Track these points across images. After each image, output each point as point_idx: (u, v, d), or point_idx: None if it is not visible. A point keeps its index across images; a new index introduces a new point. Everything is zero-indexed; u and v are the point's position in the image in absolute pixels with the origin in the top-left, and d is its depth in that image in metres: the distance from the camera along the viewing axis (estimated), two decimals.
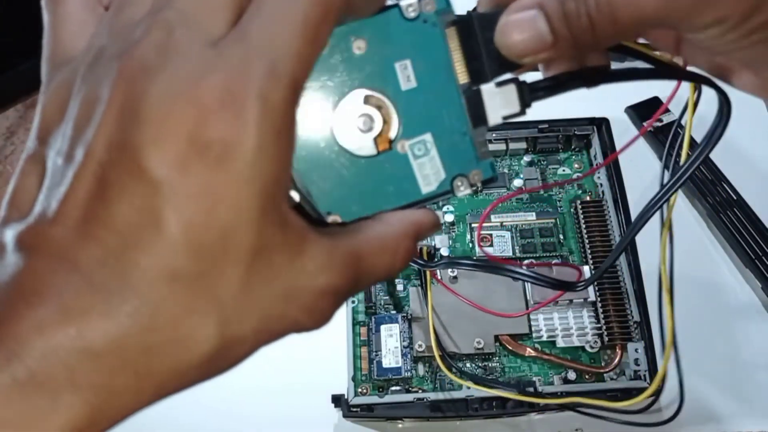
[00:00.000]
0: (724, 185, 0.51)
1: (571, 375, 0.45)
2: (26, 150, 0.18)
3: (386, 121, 0.20)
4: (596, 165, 0.52)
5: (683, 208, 0.54)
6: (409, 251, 0.20)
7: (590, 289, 0.46)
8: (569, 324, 0.45)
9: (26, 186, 0.17)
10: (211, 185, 0.15)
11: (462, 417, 0.45)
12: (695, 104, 0.24)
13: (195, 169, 0.15)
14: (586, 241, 0.49)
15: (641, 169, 0.53)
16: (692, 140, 0.27)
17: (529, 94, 0.20)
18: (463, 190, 0.21)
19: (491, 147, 0.52)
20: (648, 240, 0.47)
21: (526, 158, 0.53)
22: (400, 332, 0.46)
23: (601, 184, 0.51)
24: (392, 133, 0.20)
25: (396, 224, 0.20)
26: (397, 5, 0.19)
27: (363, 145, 0.20)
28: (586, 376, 0.45)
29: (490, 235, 0.50)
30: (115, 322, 0.15)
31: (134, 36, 0.16)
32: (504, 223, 0.50)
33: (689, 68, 0.23)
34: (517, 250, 0.49)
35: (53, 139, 0.17)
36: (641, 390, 0.43)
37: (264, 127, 0.15)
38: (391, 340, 0.45)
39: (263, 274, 0.16)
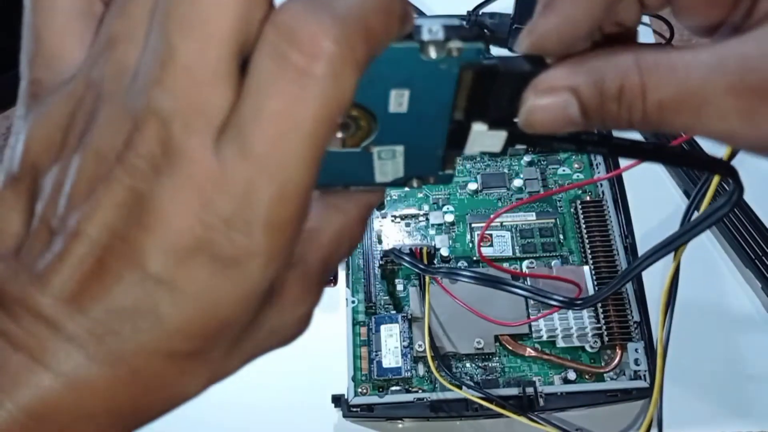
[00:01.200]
0: (724, 185, 0.51)
1: (571, 375, 0.45)
2: (7, 172, 0.16)
3: (361, 128, 0.18)
4: (597, 176, 0.52)
5: (683, 208, 0.54)
6: (363, 232, 0.21)
7: (590, 289, 0.46)
8: (569, 324, 0.45)
9: (9, 219, 0.16)
10: (214, 290, 0.15)
11: (462, 417, 0.45)
12: (731, 197, 0.22)
13: (199, 275, 0.15)
14: (586, 241, 0.49)
15: (641, 169, 0.53)
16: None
17: (515, 141, 0.20)
18: (416, 187, 0.21)
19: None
20: (648, 239, 0.47)
21: (526, 158, 0.53)
22: (400, 332, 0.46)
23: (601, 184, 0.51)
24: (364, 139, 0.19)
25: (352, 211, 0.20)
26: (418, 45, 0.17)
27: (332, 141, 0.18)
28: (586, 376, 0.45)
29: (490, 235, 0.49)
30: (114, 392, 0.15)
31: (133, 110, 0.14)
32: (504, 223, 0.50)
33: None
34: (517, 250, 0.49)
35: (43, 184, 0.16)
36: (641, 390, 0.43)
37: (272, 248, 0.15)
38: (391, 340, 0.45)
39: (251, 332, 0.17)
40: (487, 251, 0.49)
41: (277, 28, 0.14)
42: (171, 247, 0.15)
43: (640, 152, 0.21)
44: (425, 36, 0.17)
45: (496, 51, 0.61)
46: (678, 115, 0.16)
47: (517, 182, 0.52)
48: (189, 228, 0.14)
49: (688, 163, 0.21)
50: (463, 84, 0.18)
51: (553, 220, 0.50)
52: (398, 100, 0.18)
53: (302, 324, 0.19)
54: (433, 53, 0.17)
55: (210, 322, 0.16)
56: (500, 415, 0.43)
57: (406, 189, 0.52)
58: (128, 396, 0.16)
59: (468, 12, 0.62)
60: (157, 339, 0.15)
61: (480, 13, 0.61)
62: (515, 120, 0.19)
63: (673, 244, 0.25)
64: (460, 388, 0.43)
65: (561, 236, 0.50)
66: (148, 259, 0.15)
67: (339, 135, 0.19)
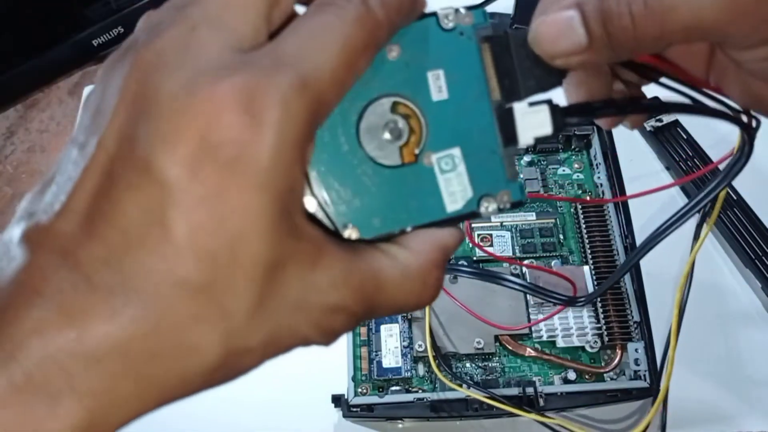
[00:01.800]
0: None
1: (571, 375, 0.45)
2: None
3: (414, 131, 0.19)
4: (603, 198, 0.51)
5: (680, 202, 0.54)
6: (439, 281, 0.19)
7: (590, 288, 0.46)
8: (569, 324, 0.45)
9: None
10: (222, 190, 0.14)
11: (462, 417, 0.45)
12: (744, 153, 0.22)
13: (205, 171, 0.14)
14: (586, 241, 0.49)
15: (641, 169, 0.53)
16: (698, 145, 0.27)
17: (561, 116, 0.19)
18: (490, 211, 0.19)
19: None
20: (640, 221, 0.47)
21: (526, 158, 0.53)
22: (400, 332, 0.46)
23: (601, 184, 0.51)
24: (419, 145, 0.19)
25: (422, 251, 0.19)
26: (434, 14, 0.19)
27: (388, 153, 0.19)
28: (586, 376, 0.45)
29: (490, 235, 0.50)
30: (117, 326, 0.14)
31: (157, 29, 0.16)
32: (504, 223, 0.50)
33: (727, 102, 0.21)
34: (517, 250, 0.49)
35: (79, 127, 0.16)
36: (641, 390, 0.43)
37: (282, 134, 0.15)
38: (391, 340, 0.45)
39: (273, 287, 0.15)
40: (487, 250, 0.49)
41: None
42: (176, 136, 0.14)
43: (663, 106, 0.21)
44: (440, 11, 0.19)
45: None
46: (681, 11, 0.17)
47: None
48: (195, 109, 0.14)
49: (699, 111, 0.21)
50: (486, 60, 0.19)
51: (553, 220, 0.50)
52: (437, 84, 0.19)
53: (330, 318, 0.17)
54: (449, 22, 0.19)
55: (218, 234, 0.14)
56: (500, 415, 0.43)
57: None
58: (139, 334, 0.14)
59: (504, 30, 0.62)
60: (164, 258, 0.14)
61: None
62: (549, 89, 0.19)
63: (689, 214, 0.25)
64: (462, 387, 0.43)
65: (561, 236, 0.50)
66: (154, 157, 0.14)
67: (395, 143, 0.19)
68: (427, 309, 0.45)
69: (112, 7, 0.62)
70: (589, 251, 0.48)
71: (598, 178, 0.52)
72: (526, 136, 0.19)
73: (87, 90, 0.17)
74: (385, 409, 0.43)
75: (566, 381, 0.45)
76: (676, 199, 0.55)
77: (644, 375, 0.44)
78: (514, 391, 0.43)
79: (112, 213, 0.14)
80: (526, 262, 0.49)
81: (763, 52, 0.18)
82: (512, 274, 0.47)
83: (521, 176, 0.52)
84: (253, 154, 0.14)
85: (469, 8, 0.19)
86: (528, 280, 0.47)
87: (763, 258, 0.49)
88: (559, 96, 0.21)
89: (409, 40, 0.19)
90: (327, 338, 0.17)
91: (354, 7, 0.16)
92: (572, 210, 0.51)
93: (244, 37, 0.16)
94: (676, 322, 0.34)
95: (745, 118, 0.21)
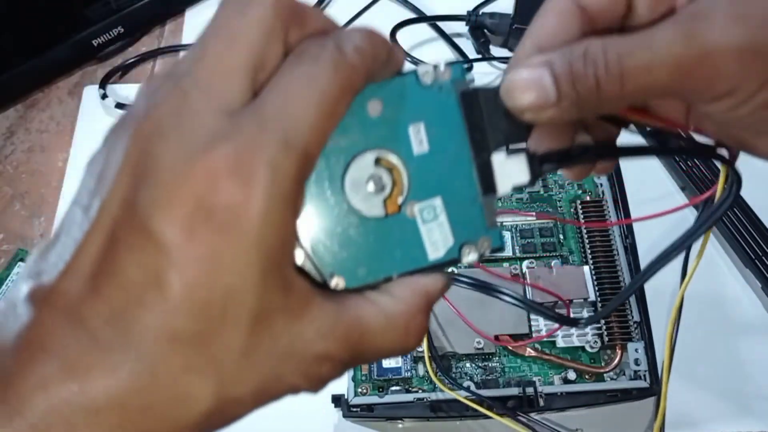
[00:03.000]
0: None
1: (571, 375, 0.45)
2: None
3: (396, 184, 0.20)
4: (609, 221, 0.51)
5: (685, 213, 0.54)
6: (422, 327, 0.20)
7: (590, 289, 0.46)
8: None
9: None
10: (216, 249, 0.15)
11: (462, 417, 0.45)
12: (729, 189, 0.23)
13: (200, 233, 0.15)
14: (586, 241, 0.49)
15: (641, 169, 0.53)
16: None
17: (539, 165, 0.20)
18: (470, 258, 0.20)
19: None
20: (648, 239, 0.47)
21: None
22: None
23: (601, 184, 0.51)
24: (402, 196, 0.20)
25: (405, 298, 0.19)
26: (414, 71, 0.20)
27: (372, 205, 0.20)
28: (586, 376, 0.45)
29: None
30: (117, 380, 0.15)
31: (153, 99, 0.17)
32: (504, 223, 0.50)
33: (700, 140, 0.22)
34: (517, 250, 0.49)
35: (82, 190, 0.17)
36: (641, 390, 0.43)
37: (271, 195, 0.16)
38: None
39: (262, 338, 0.16)
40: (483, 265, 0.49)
41: (302, 44, 0.18)
42: (173, 201, 0.15)
43: (642, 150, 0.22)
44: (419, 68, 0.20)
45: (496, 51, 0.62)
46: (633, 60, 0.19)
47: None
48: (192, 177, 0.15)
49: (685, 152, 0.22)
50: (465, 112, 0.20)
51: (553, 221, 0.50)
52: (417, 137, 0.20)
53: (317, 367, 0.18)
54: (428, 78, 0.20)
55: (211, 290, 0.15)
56: (500, 415, 0.43)
57: None
58: (136, 387, 0.15)
59: (468, 12, 0.62)
60: (161, 314, 0.15)
61: (480, 13, 0.61)
62: (526, 142, 0.20)
63: (677, 250, 0.25)
64: (453, 390, 0.43)
65: (561, 236, 0.50)
66: (154, 221, 0.15)
67: (379, 196, 0.20)
68: None
69: (112, 7, 0.62)
70: (589, 251, 0.48)
71: (598, 177, 0.51)
72: (504, 185, 0.20)
73: (91, 154, 0.19)
74: (385, 409, 0.43)
75: (566, 381, 0.45)
76: (676, 197, 0.55)
77: (644, 375, 0.44)
78: (514, 391, 0.43)
79: (115, 273, 0.16)
80: (526, 262, 0.49)
81: (723, 105, 0.19)
82: (512, 275, 0.47)
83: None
84: (245, 215, 0.15)
85: (449, 63, 0.20)
86: (528, 280, 0.47)
87: (763, 258, 0.49)
88: None
89: (390, 97, 0.19)
90: (315, 386, 0.18)
91: (329, 55, 0.17)
92: (572, 210, 0.51)
93: (232, 101, 0.17)
94: (671, 335, 0.34)
95: (725, 152, 0.22)
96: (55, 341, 0.15)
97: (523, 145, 0.21)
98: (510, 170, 0.20)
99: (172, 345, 0.15)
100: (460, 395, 0.43)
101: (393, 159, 0.20)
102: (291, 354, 0.17)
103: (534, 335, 0.45)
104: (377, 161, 0.20)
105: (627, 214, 0.48)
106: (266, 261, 0.16)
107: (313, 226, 0.19)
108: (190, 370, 0.16)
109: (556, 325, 0.45)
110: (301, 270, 0.19)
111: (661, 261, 0.25)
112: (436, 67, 0.20)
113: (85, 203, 0.17)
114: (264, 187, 0.15)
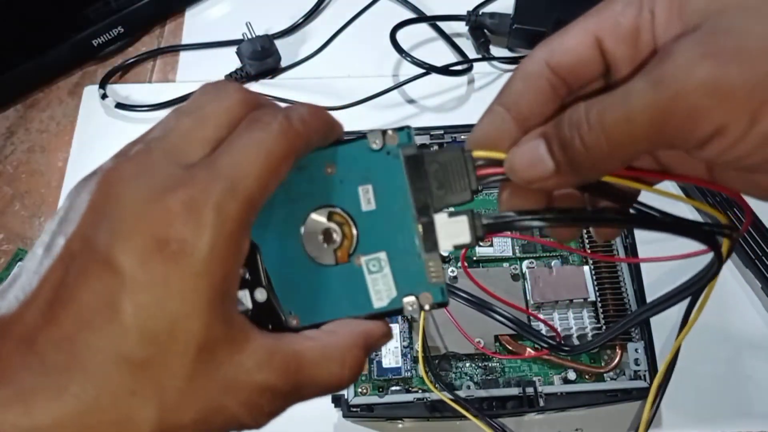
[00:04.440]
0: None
1: (571, 375, 0.45)
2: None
3: (346, 236, 0.22)
4: (617, 257, 0.50)
5: (683, 208, 0.54)
6: (358, 361, 0.21)
7: (590, 289, 0.46)
8: (569, 324, 0.45)
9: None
10: (166, 276, 0.17)
11: (462, 417, 0.45)
12: (712, 272, 0.24)
13: (154, 261, 0.17)
14: (586, 241, 0.49)
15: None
16: None
17: (480, 227, 0.22)
18: (412, 310, 0.22)
19: None
20: (648, 239, 0.47)
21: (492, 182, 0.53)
22: (400, 332, 0.46)
23: None
24: (351, 248, 0.22)
25: (343, 334, 0.21)
26: (364, 137, 0.22)
27: (324, 254, 0.22)
28: (586, 376, 0.45)
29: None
30: (61, 402, 0.16)
31: (123, 155, 0.19)
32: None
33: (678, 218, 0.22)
34: (517, 250, 0.49)
35: (46, 232, 0.19)
36: (641, 390, 0.43)
37: (217, 233, 0.17)
38: (391, 340, 0.45)
39: (205, 366, 0.17)
40: (487, 251, 0.49)
41: (253, 116, 0.20)
42: (132, 233, 0.17)
43: (600, 219, 0.24)
44: (369, 135, 0.22)
45: (496, 51, 0.61)
46: (611, 115, 0.19)
47: None
48: (149, 213, 0.17)
49: (669, 229, 0.22)
50: (410, 175, 0.21)
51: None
52: (366, 197, 0.22)
53: (257, 398, 0.19)
54: (377, 142, 0.22)
55: (160, 315, 0.17)
56: (500, 416, 0.43)
57: None
58: (80, 409, 0.16)
59: (468, 12, 0.62)
60: (111, 337, 0.16)
61: (480, 13, 0.61)
62: (468, 201, 0.22)
63: (654, 310, 0.29)
64: (440, 391, 0.43)
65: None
66: (113, 250, 0.17)
67: (331, 246, 0.22)
68: (421, 314, 0.45)
69: (112, 7, 0.62)
70: (589, 251, 0.48)
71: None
72: (446, 244, 0.21)
73: (84, 93, 0.21)
74: (385, 409, 0.43)
75: (566, 381, 0.45)
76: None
77: (644, 375, 0.44)
78: (514, 391, 0.44)
79: (70, 299, 0.17)
80: (526, 262, 0.49)
81: (715, 148, 0.18)
82: (512, 276, 0.47)
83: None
84: (194, 247, 0.17)
85: (396, 129, 0.22)
86: (528, 280, 0.47)
87: (763, 258, 0.49)
88: None
89: (343, 159, 0.22)
90: (257, 419, 0.19)
91: (278, 123, 0.20)
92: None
93: (191, 158, 0.19)
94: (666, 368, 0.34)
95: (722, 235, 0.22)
96: (8, 368, 0.16)
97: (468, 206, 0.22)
98: (452, 231, 0.21)
99: (119, 368, 0.16)
100: (445, 396, 0.43)
101: (344, 214, 0.22)
102: (232, 383, 0.18)
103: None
104: (330, 216, 0.22)
105: (634, 251, 0.48)
106: (212, 291, 0.17)
107: (274, 270, 0.22)
108: (135, 393, 0.16)
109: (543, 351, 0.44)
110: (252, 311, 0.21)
111: (648, 311, 0.28)
112: (384, 132, 0.22)
113: (47, 242, 0.18)
114: (211, 226, 0.17)
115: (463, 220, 0.22)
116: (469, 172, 0.22)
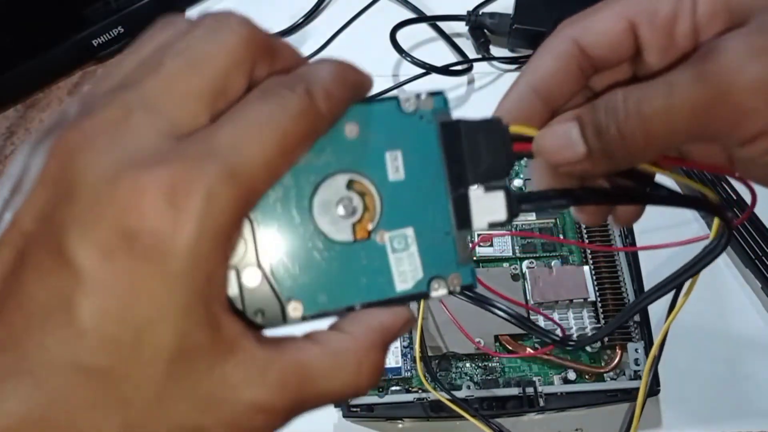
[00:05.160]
0: (724, 185, 0.51)
1: (571, 375, 0.45)
2: None
3: (368, 209, 0.19)
4: (615, 246, 0.50)
5: (666, 181, 0.54)
6: (377, 366, 0.18)
7: (590, 289, 0.46)
8: (569, 324, 0.45)
9: None
10: (134, 278, 0.14)
11: (462, 417, 0.45)
12: (721, 243, 0.23)
13: (118, 259, 0.14)
14: (586, 241, 0.49)
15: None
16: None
17: (516, 204, 0.20)
18: (439, 294, 0.19)
19: None
20: (648, 239, 0.47)
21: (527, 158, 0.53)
22: None
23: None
24: (372, 223, 0.19)
25: (357, 334, 0.18)
26: (396, 97, 0.20)
27: (340, 229, 0.19)
28: (586, 376, 0.45)
29: (490, 234, 0.49)
30: (6, 409, 0.14)
31: (88, 108, 0.15)
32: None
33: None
34: (517, 250, 0.49)
35: None
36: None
37: (203, 226, 0.14)
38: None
39: (180, 379, 0.15)
40: (487, 251, 0.49)
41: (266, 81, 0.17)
42: (94, 221, 0.14)
43: (626, 196, 0.23)
44: (401, 95, 0.19)
45: (496, 51, 0.61)
46: (651, 106, 0.18)
47: (517, 182, 0.52)
48: (117, 196, 0.14)
49: (675, 203, 0.22)
50: (445, 144, 0.19)
51: (553, 220, 0.50)
52: (394, 164, 0.19)
53: (246, 419, 0.16)
54: (410, 106, 0.19)
55: (124, 321, 0.14)
56: (500, 415, 0.43)
57: None
58: (28, 419, 0.14)
59: (468, 12, 0.62)
60: (66, 341, 0.14)
61: (480, 13, 0.61)
62: (505, 178, 0.20)
63: (662, 290, 0.27)
64: (436, 390, 0.43)
65: (561, 236, 0.50)
66: (69, 240, 0.14)
67: (349, 220, 0.19)
68: (420, 310, 0.45)
69: (112, 7, 0.62)
70: (589, 251, 0.48)
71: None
72: (480, 221, 0.20)
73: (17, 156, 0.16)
74: (385, 409, 0.43)
75: (566, 381, 0.45)
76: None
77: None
78: (514, 391, 0.44)
79: (20, 294, 0.14)
80: (526, 262, 0.49)
81: (762, 147, 0.18)
82: (512, 276, 0.47)
83: (522, 177, 0.52)
84: (169, 244, 0.14)
85: (431, 93, 0.20)
86: (528, 280, 0.47)
87: (763, 258, 0.49)
88: None
89: (369, 120, 0.19)
90: None
91: (297, 99, 0.16)
92: (575, 223, 0.51)
93: (182, 125, 0.15)
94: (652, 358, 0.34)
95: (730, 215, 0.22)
96: None
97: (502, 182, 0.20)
98: (487, 206, 0.20)
99: (76, 377, 0.14)
100: (443, 396, 0.43)
101: (366, 183, 0.19)
102: (214, 402, 0.15)
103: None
104: (349, 184, 0.19)
105: (632, 241, 0.48)
106: (190, 296, 0.14)
107: (274, 246, 0.18)
108: (95, 407, 0.14)
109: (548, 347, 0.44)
110: (235, 311, 0.18)
111: (647, 298, 0.27)
112: (418, 95, 0.20)
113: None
114: (196, 217, 0.14)
115: (499, 196, 0.20)
116: (506, 145, 0.20)
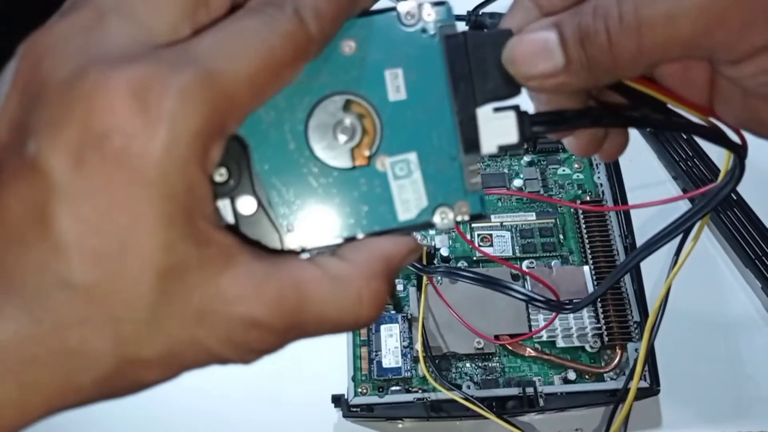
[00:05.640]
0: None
1: (571, 375, 0.45)
2: None
3: (367, 132, 0.18)
4: (606, 206, 0.51)
5: (683, 208, 0.54)
6: (379, 295, 0.17)
7: (590, 289, 0.46)
8: (569, 324, 0.45)
9: None
10: (107, 183, 0.13)
11: (462, 417, 0.45)
12: (734, 174, 0.21)
13: (90, 163, 0.13)
14: (586, 241, 0.49)
15: (641, 169, 0.53)
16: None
17: (528, 125, 0.18)
18: (445, 223, 0.18)
19: None
20: (644, 234, 0.47)
21: (526, 158, 0.53)
22: (400, 332, 0.45)
23: (601, 184, 0.51)
24: (372, 147, 0.18)
25: (360, 261, 0.17)
26: (394, 8, 0.18)
27: (338, 155, 0.18)
28: (586, 376, 0.45)
29: (490, 235, 0.50)
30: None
31: (61, 12, 0.15)
32: (504, 223, 0.50)
33: (715, 123, 0.20)
34: (517, 250, 0.49)
35: None
36: (642, 390, 0.43)
37: (176, 127, 0.13)
38: (391, 340, 0.45)
39: (170, 294, 0.14)
40: (487, 251, 0.49)
41: None
42: (62, 124, 0.13)
43: (647, 121, 0.20)
44: (400, 6, 0.17)
45: None
46: (651, 8, 0.16)
47: (517, 182, 0.52)
48: (85, 97, 0.13)
49: (681, 128, 0.20)
50: (450, 60, 0.18)
51: (553, 220, 0.50)
52: (394, 83, 0.18)
53: (241, 333, 0.15)
54: (411, 18, 0.18)
55: (104, 232, 0.13)
56: (500, 415, 0.43)
57: None
58: (16, 336, 0.13)
59: (468, 12, 0.62)
60: (47, 255, 0.13)
61: (480, 13, 0.61)
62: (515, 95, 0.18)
63: (673, 233, 0.24)
64: (447, 389, 0.43)
65: (561, 236, 0.50)
66: (39, 146, 0.13)
67: (347, 145, 0.18)
68: (421, 309, 0.45)
69: None
70: (589, 251, 0.48)
71: (598, 178, 0.51)
72: (489, 144, 0.18)
73: None
74: (385, 409, 0.43)
75: (566, 381, 0.45)
76: (668, 187, 0.55)
77: (644, 375, 0.44)
78: (514, 391, 0.44)
79: None
80: (526, 262, 0.49)
81: (755, 66, 0.17)
82: (512, 276, 0.47)
83: (522, 177, 0.52)
84: (142, 146, 0.13)
85: (435, 3, 0.18)
86: (528, 280, 0.47)
87: (763, 258, 0.49)
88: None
89: (366, 36, 0.17)
90: (243, 357, 0.16)
91: (286, 19, 0.15)
92: (572, 210, 0.51)
93: (159, 34, 0.15)
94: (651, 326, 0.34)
95: (738, 140, 0.20)
96: None
97: (512, 102, 0.18)
98: (497, 128, 0.18)
99: (61, 292, 0.13)
100: (456, 395, 0.42)
101: (365, 104, 0.18)
102: (207, 315, 0.15)
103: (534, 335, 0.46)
104: (347, 105, 0.18)
105: (627, 214, 0.48)
106: (171, 205, 0.14)
107: (269, 173, 0.17)
108: (85, 323, 0.14)
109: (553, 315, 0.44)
110: (229, 226, 0.17)
111: (657, 242, 0.24)
112: (420, 6, 0.18)
113: None
114: (168, 118, 0.13)
115: (510, 116, 0.18)
116: None
